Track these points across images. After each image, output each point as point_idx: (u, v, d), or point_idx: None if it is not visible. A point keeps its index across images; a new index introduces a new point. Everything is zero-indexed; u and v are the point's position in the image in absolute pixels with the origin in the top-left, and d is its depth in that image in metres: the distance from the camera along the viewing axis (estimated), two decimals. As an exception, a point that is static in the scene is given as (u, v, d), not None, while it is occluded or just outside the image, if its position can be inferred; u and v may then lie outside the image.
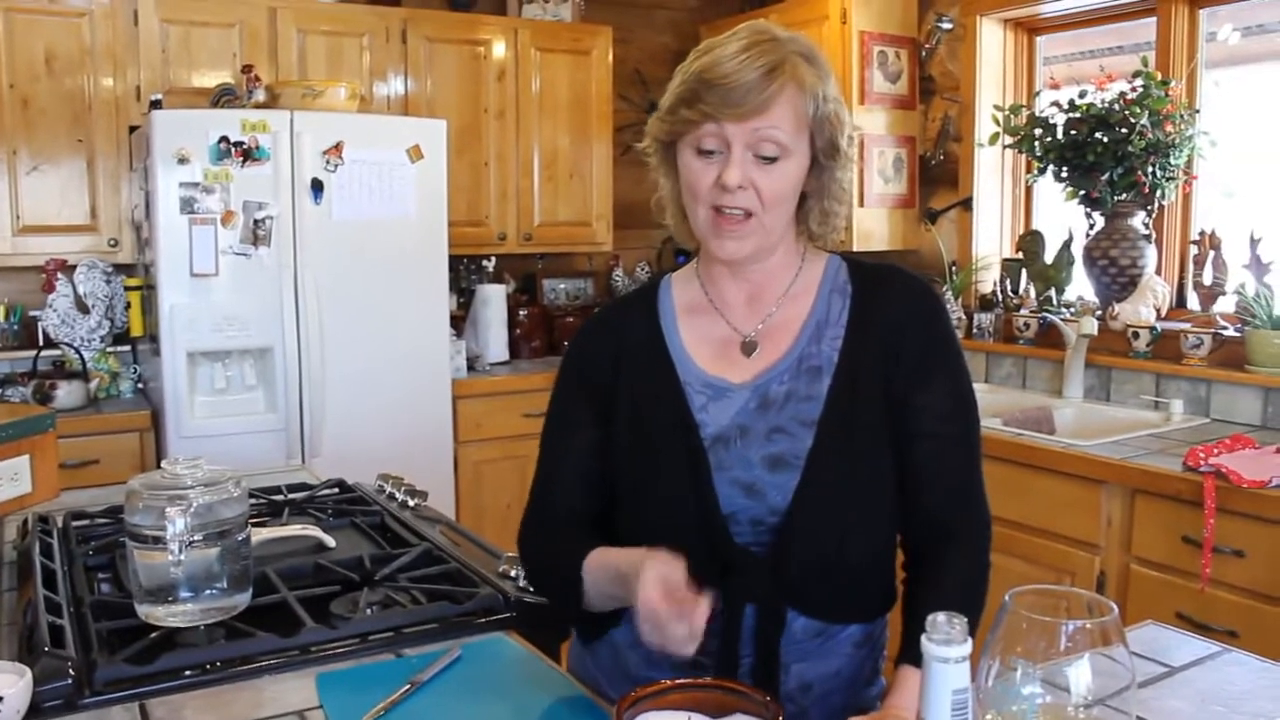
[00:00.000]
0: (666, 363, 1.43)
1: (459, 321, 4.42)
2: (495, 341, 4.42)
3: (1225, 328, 3.26)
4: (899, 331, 1.39)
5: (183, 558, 1.36)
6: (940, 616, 0.83)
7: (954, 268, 4.09)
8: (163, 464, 1.44)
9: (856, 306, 1.41)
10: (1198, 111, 3.45)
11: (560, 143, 4.55)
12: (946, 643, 0.82)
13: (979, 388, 3.79)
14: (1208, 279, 3.36)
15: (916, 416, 1.37)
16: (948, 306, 1.48)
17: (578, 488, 1.46)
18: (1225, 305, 3.33)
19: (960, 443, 1.40)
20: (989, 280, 4.09)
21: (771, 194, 1.33)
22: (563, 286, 4.95)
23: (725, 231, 1.34)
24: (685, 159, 1.36)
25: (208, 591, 1.40)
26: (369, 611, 1.50)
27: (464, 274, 4.58)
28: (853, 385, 1.36)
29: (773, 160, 1.31)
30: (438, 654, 1.38)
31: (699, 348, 1.43)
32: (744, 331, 1.43)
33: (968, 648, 0.82)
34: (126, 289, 3.85)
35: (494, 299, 4.44)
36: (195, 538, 1.37)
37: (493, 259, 4.56)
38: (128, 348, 3.98)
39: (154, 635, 1.37)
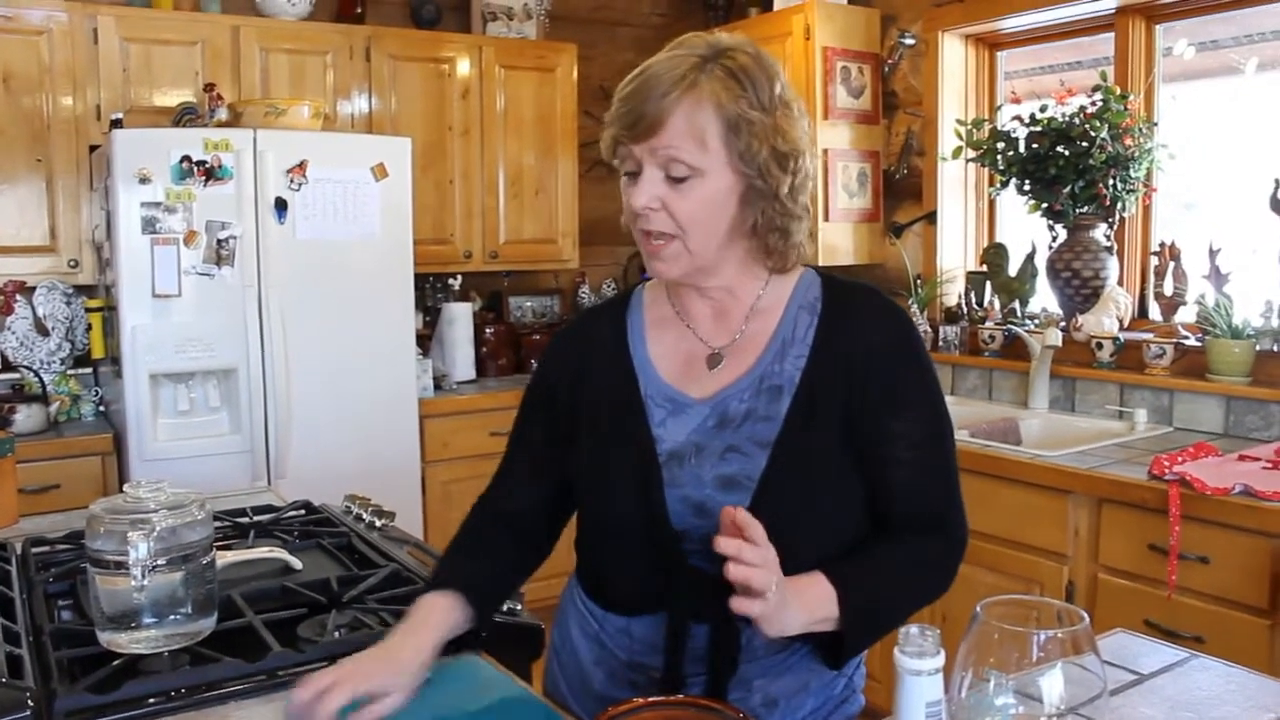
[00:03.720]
0: (630, 374, 1.42)
1: (425, 340, 4.41)
2: (462, 360, 4.40)
3: (1186, 337, 3.30)
4: (867, 357, 1.35)
5: (146, 583, 1.33)
6: (913, 629, 0.83)
7: (919, 281, 4.12)
8: (125, 488, 1.42)
9: (823, 327, 1.38)
10: (1156, 125, 3.50)
11: (525, 160, 4.55)
12: (919, 655, 0.82)
13: (946, 399, 3.82)
14: (1168, 289, 3.41)
15: (891, 443, 1.34)
16: (918, 328, 1.46)
17: (517, 493, 1.50)
18: (1186, 315, 3.37)
19: (938, 470, 1.38)
20: (954, 293, 4.12)
21: (685, 215, 1.29)
22: (529, 304, 4.94)
23: (650, 253, 1.34)
24: (621, 178, 1.35)
25: (172, 617, 1.38)
26: (337, 634, 1.48)
27: (430, 292, 4.56)
28: (811, 408, 1.33)
29: (682, 180, 1.28)
30: (407, 676, 1.36)
31: (664, 360, 1.42)
32: (712, 345, 1.41)
33: (940, 659, 0.82)
34: (87, 310, 3.81)
35: (460, 317, 4.42)
36: (159, 562, 1.34)
37: (458, 277, 4.54)
38: (89, 370, 3.94)
39: (116, 663, 1.34)
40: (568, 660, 1.49)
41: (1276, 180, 2.94)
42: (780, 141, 1.29)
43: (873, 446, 1.34)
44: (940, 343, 3.98)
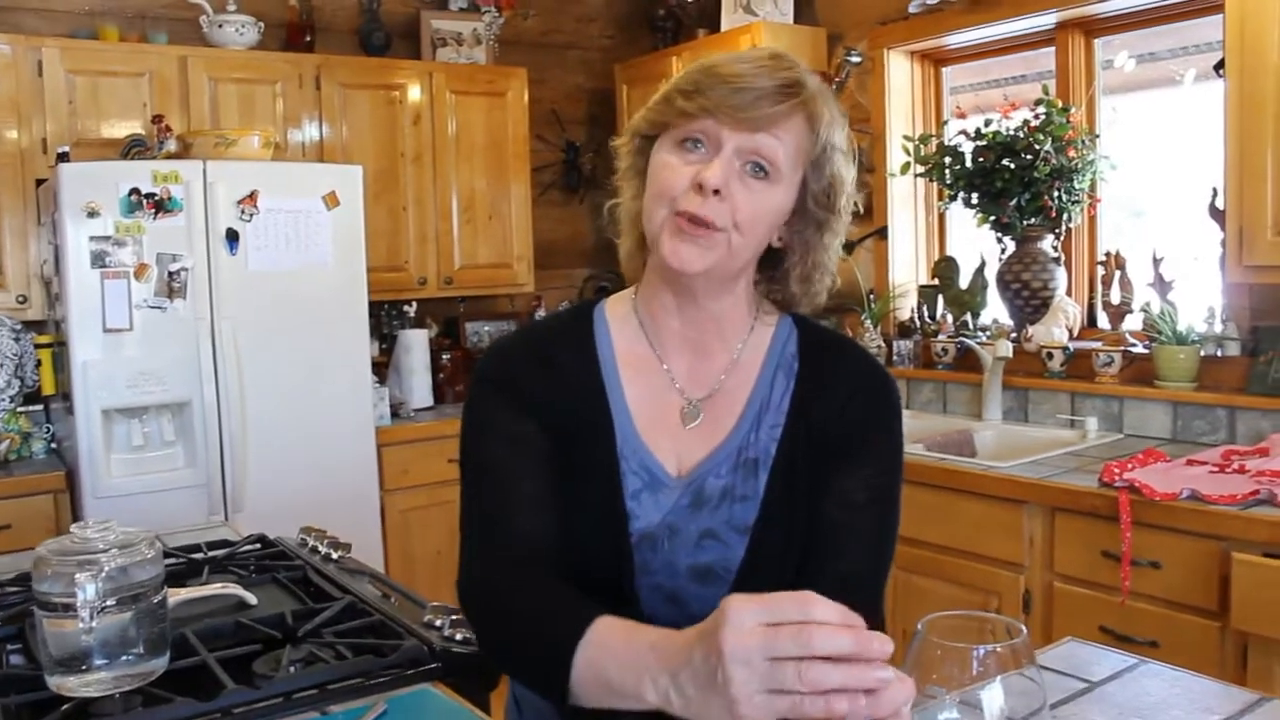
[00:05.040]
0: (605, 420, 1.29)
1: (381, 368, 4.38)
2: (419, 387, 4.38)
3: (1134, 345, 3.36)
4: (841, 421, 1.28)
5: (94, 624, 1.31)
6: None
7: (872, 296, 4.16)
8: (72, 528, 1.40)
9: (799, 393, 1.30)
10: (1098, 136, 3.56)
11: (478, 185, 4.55)
12: None
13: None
14: (1115, 298, 3.46)
15: (826, 497, 1.25)
16: (899, 394, 1.39)
17: (542, 515, 1.23)
18: (1133, 323, 3.43)
19: (865, 537, 1.25)
20: (906, 307, 4.16)
21: (749, 213, 1.18)
22: (486, 329, 4.93)
23: (685, 234, 1.18)
24: (662, 155, 1.21)
25: (123, 658, 1.36)
26: (292, 669, 1.46)
27: (385, 320, 4.54)
28: (790, 482, 1.26)
29: (762, 176, 1.19)
30: (363, 709, 1.36)
31: (639, 404, 1.30)
32: (689, 394, 1.31)
33: None
34: (37, 346, 3.76)
35: (416, 344, 4.40)
36: (108, 603, 1.33)
37: (414, 304, 4.53)
38: (40, 407, 3.88)
39: (65, 707, 1.33)
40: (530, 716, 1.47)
41: (1214, 188, 2.99)
42: (840, 181, 1.26)
43: (819, 527, 1.25)
44: (894, 357, 4.01)
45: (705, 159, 1.18)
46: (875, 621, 1.22)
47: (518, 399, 1.29)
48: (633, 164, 1.29)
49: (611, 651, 1.00)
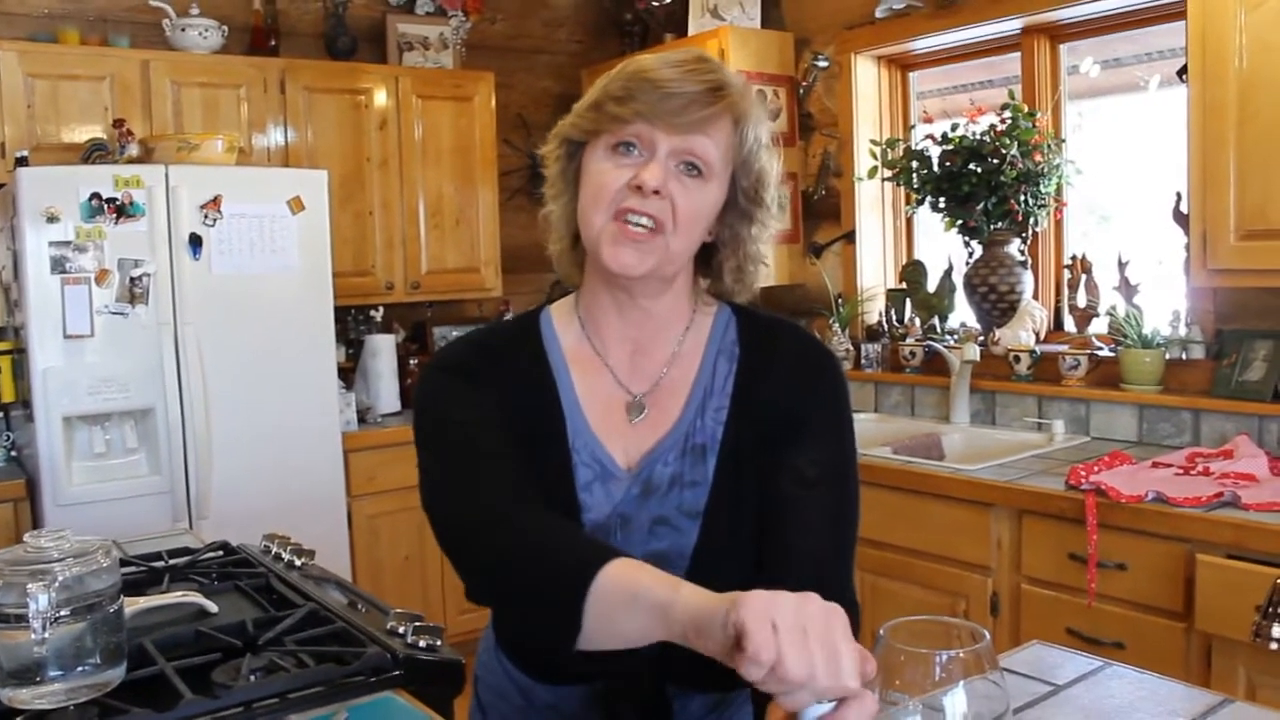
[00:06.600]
0: (557, 416, 1.30)
1: (348, 373, 4.35)
2: (386, 392, 4.36)
3: (1100, 348, 3.38)
4: (784, 399, 1.29)
5: (47, 635, 1.29)
6: None
7: (840, 300, 4.16)
8: (26, 537, 1.38)
9: (741, 376, 1.32)
10: (1063, 141, 3.58)
11: (445, 189, 4.52)
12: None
13: (869, 417, 3.86)
14: (1081, 302, 3.48)
15: (779, 476, 1.25)
16: (842, 369, 1.40)
17: (517, 466, 1.24)
18: (1099, 326, 3.45)
19: (824, 514, 1.25)
20: (875, 311, 4.17)
21: (687, 211, 1.21)
22: (453, 334, 4.90)
23: (626, 239, 1.21)
24: (596, 160, 1.23)
25: (78, 669, 1.33)
26: (252, 678, 1.44)
27: (352, 325, 4.51)
28: (737, 465, 1.28)
29: (696, 175, 1.22)
30: (324, 718, 1.34)
31: (589, 403, 1.32)
32: (631, 389, 1.33)
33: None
34: (-5, 353, 3.71)
35: (383, 349, 4.38)
36: (62, 613, 1.30)
37: (380, 309, 4.50)
38: (-1, 414, 3.83)
39: None
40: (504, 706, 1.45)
41: (1178, 193, 3.02)
42: (766, 175, 1.30)
43: (769, 484, 1.27)
44: (862, 360, 4.02)
45: (640, 162, 1.21)
46: (844, 601, 1.17)
47: (472, 381, 1.31)
48: (563, 170, 1.31)
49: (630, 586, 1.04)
